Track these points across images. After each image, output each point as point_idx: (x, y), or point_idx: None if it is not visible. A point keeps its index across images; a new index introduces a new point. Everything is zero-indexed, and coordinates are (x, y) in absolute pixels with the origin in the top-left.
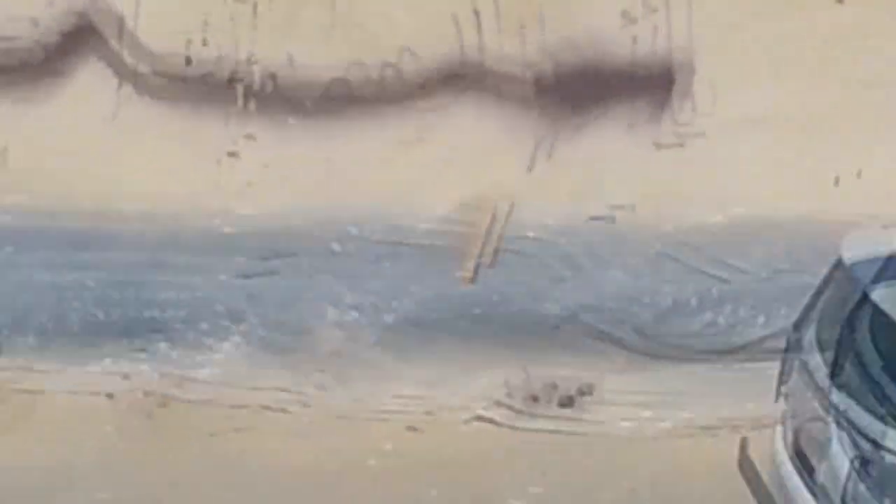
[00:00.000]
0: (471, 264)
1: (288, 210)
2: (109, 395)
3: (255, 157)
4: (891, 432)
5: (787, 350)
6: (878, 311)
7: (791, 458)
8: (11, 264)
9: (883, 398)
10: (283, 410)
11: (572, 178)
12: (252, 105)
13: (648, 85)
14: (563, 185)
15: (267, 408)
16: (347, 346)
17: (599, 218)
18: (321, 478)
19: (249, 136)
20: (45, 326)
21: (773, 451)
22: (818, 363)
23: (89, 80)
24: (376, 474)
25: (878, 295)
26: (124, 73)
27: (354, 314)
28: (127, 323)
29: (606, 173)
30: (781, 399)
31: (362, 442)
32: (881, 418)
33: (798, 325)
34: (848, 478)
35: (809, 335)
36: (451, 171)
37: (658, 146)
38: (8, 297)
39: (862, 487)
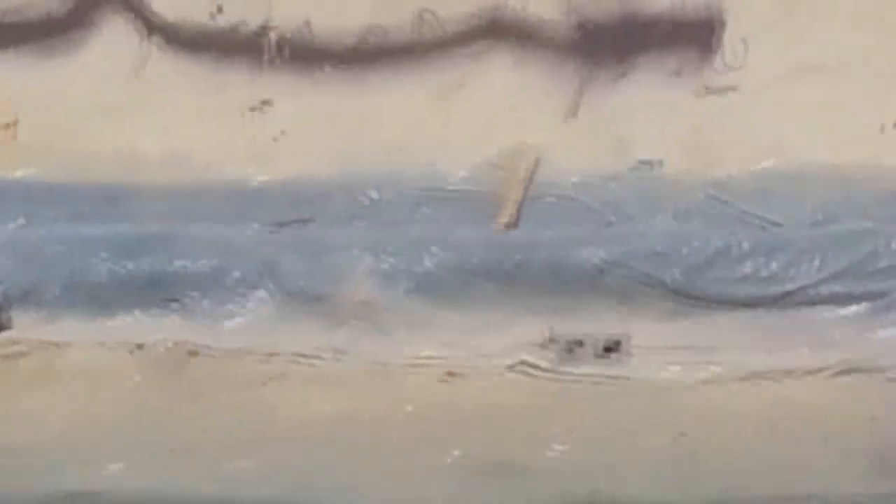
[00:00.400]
0: (511, 211)
1: (323, 159)
2: (139, 346)
3: (289, 105)
4: None
5: None
6: None
7: None
8: (38, 217)
9: None
10: (317, 358)
11: (617, 124)
12: (286, 53)
13: (693, 31)
14: (608, 131)
15: (300, 355)
16: (384, 294)
17: (647, 162)
18: (357, 426)
19: (282, 86)
20: (72, 278)
21: None
22: None
23: (117, 31)
24: (415, 421)
25: None
26: (152, 24)
27: (391, 261)
28: (156, 273)
29: (652, 120)
30: None
31: (399, 390)
32: None
33: None
34: None
35: None
36: (491, 117)
37: (704, 92)
38: (34, 249)
39: None
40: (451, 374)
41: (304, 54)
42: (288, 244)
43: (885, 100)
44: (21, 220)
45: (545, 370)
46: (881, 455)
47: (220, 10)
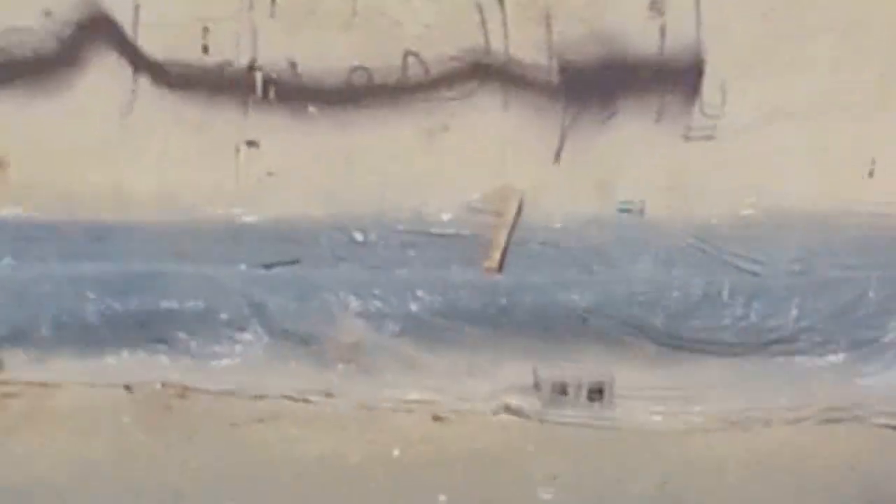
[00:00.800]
0: (497, 254)
1: (310, 199)
2: (127, 387)
3: (276, 146)
4: None
5: None
6: None
7: None
8: (26, 256)
9: None
10: (306, 400)
11: (600, 168)
12: (272, 93)
13: (676, 77)
14: (591, 175)
15: (289, 398)
16: (371, 336)
17: (628, 208)
18: (345, 468)
19: (269, 125)
20: (61, 318)
21: None
22: None
23: (104, 70)
24: (402, 465)
25: None
26: (140, 63)
27: (378, 304)
28: (145, 313)
29: (634, 164)
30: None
31: (387, 432)
32: None
33: None
34: None
35: None
36: (476, 160)
37: (687, 138)
38: (23, 289)
39: None
40: (437, 417)
41: (291, 95)
42: (276, 285)
43: (864, 144)
44: (9, 259)
45: (529, 416)
46: (863, 501)
47: (206, 49)
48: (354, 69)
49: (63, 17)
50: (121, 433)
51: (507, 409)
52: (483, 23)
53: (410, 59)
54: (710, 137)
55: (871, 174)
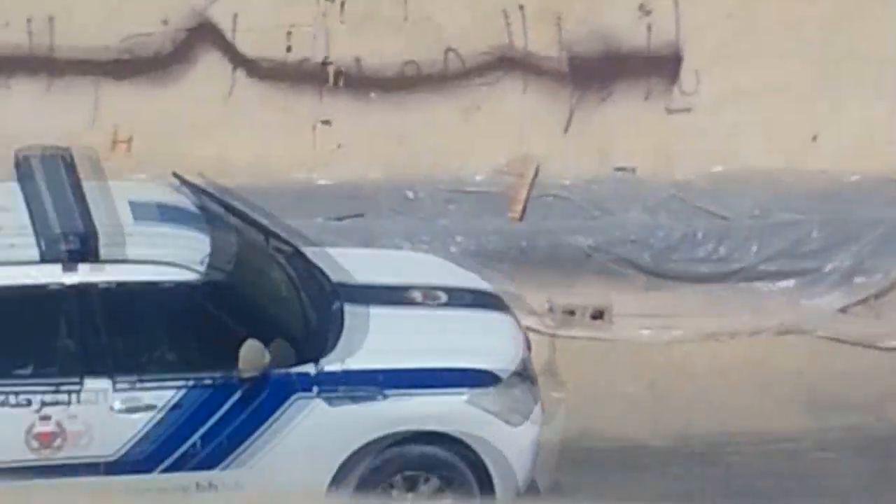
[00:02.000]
0: (519, 207)
1: (370, 165)
2: None
3: (344, 124)
4: None
5: None
6: None
7: None
8: None
9: None
10: None
11: (600, 138)
12: (341, 83)
13: (660, 65)
14: (593, 143)
15: None
16: None
17: (623, 169)
18: None
19: (339, 108)
20: None
21: None
22: None
23: (209, 66)
24: None
25: None
26: (237, 60)
27: (425, 247)
28: None
29: (627, 134)
30: None
31: None
32: None
33: None
34: None
35: None
36: (502, 133)
37: (669, 112)
38: None
39: None
40: None
41: (356, 83)
42: (345, 234)
43: (808, 117)
44: None
45: (543, 333)
46: (807, 399)
47: (289, 49)
48: (406, 63)
49: (177, 24)
50: None
51: (527, 328)
52: (507, 25)
53: (450, 55)
54: (687, 111)
55: (813, 140)
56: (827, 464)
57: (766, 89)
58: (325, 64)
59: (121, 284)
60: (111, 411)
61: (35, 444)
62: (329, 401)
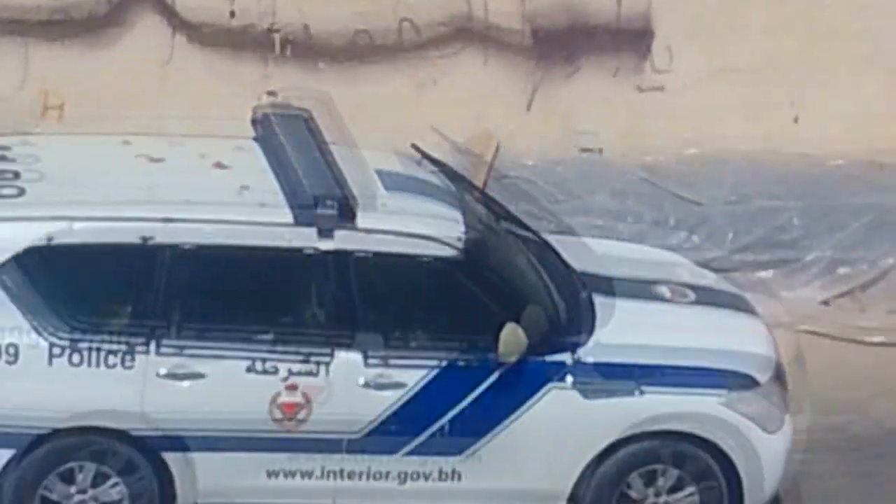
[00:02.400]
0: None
1: None
2: None
3: (291, 95)
4: None
5: None
6: None
7: None
8: None
9: None
10: None
11: (565, 116)
12: (288, 51)
13: (631, 39)
14: (558, 121)
15: None
16: None
17: (589, 149)
18: None
19: (285, 78)
20: None
21: None
22: None
23: (147, 30)
24: None
25: None
26: (177, 24)
27: None
28: None
29: (594, 112)
30: None
31: None
32: None
33: None
34: None
35: None
36: (460, 109)
37: (639, 90)
38: None
39: None
40: None
41: (304, 53)
42: None
43: (789, 97)
44: None
45: None
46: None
47: (233, 14)
48: (358, 32)
49: None
50: None
51: None
52: None
53: (405, 24)
54: (659, 90)
55: (795, 121)
56: (810, 465)
57: (745, 67)
58: (270, 31)
59: (377, 255)
60: (359, 387)
61: (279, 414)
62: (584, 393)
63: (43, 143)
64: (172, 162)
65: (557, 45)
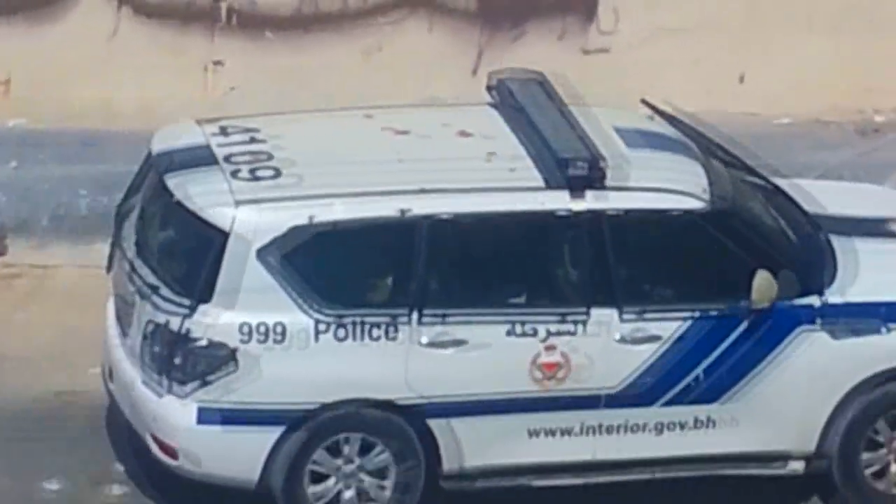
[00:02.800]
0: None
1: (266, 108)
2: None
3: (238, 65)
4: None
5: (114, 232)
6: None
7: (114, 324)
8: (28, 160)
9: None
10: None
11: None
12: (234, 21)
13: (576, 1)
14: None
15: None
16: None
17: None
18: None
19: (232, 48)
20: (58, 211)
21: (105, 316)
22: (131, 241)
23: (92, 3)
24: None
25: (171, 181)
26: None
27: None
28: None
29: None
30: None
31: None
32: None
33: (120, 209)
34: (144, 340)
35: (130, 217)
36: (406, 75)
37: (585, 52)
38: (26, 188)
39: (156, 348)
40: None
41: (250, 22)
42: None
43: (735, 57)
44: (14, 163)
45: None
46: None
47: None
48: (304, 0)
49: None
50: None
51: None
52: None
53: None
54: (605, 52)
55: (741, 80)
56: None
57: (691, 27)
58: (216, 1)
59: (628, 212)
60: (615, 342)
61: (538, 374)
62: (832, 334)
63: (288, 122)
64: (417, 133)
65: (503, 10)
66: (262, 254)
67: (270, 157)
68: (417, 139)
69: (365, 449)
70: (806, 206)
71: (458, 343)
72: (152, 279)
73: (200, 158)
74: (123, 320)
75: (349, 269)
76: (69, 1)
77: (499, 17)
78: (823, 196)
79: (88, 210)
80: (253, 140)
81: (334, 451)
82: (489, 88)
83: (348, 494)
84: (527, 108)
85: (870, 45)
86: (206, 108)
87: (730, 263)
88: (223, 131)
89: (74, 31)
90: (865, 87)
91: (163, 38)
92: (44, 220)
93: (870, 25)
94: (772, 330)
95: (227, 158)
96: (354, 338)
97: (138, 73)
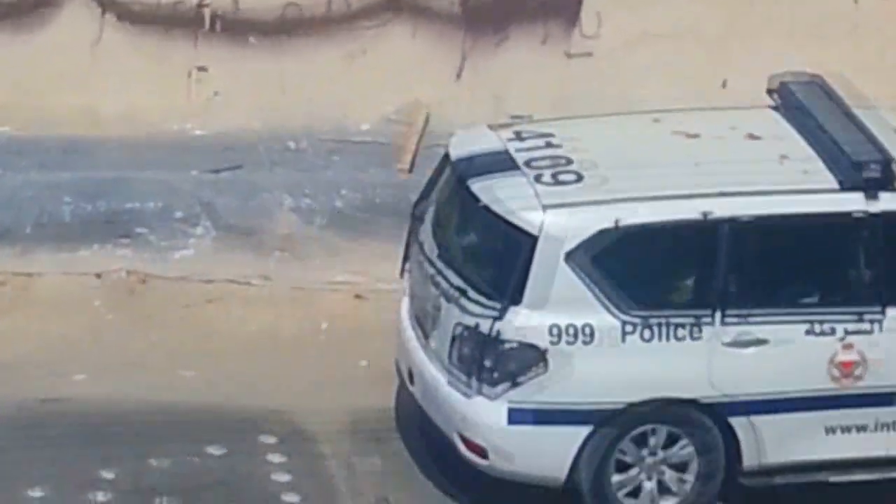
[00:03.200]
0: (408, 158)
1: (250, 114)
2: (97, 275)
3: (222, 70)
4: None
5: (409, 232)
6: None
7: (412, 326)
8: (11, 167)
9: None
10: (248, 283)
11: (495, 84)
12: (218, 26)
13: (559, 6)
14: (488, 90)
15: (233, 282)
16: (303, 228)
17: (519, 117)
18: (281, 340)
19: (216, 53)
20: (41, 218)
21: (399, 319)
22: (431, 244)
23: (76, 9)
24: (329, 336)
25: (475, 185)
26: (106, 2)
27: (308, 201)
28: (111, 213)
29: (524, 79)
30: (406, 274)
31: (317, 309)
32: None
33: (415, 212)
34: (452, 342)
35: (427, 218)
36: (390, 79)
37: (568, 56)
38: (9, 194)
39: (465, 350)
40: (358, 296)
41: (234, 27)
42: (222, 187)
43: (716, 61)
44: None
45: None
46: None
47: None
48: (287, 4)
49: None
50: (93, 314)
51: None
52: None
53: None
54: (588, 56)
55: (723, 85)
56: None
57: (673, 32)
58: (200, 6)
59: None
60: None
61: (836, 372)
62: None
63: (580, 126)
64: (708, 136)
65: (486, 14)
66: (570, 257)
67: (569, 161)
68: (710, 142)
69: (669, 442)
70: None
71: (760, 342)
72: (458, 282)
73: (501, 163)
74: (424, 323)
75: (654, 270)
76: (53, 8)
77: (482, 21)
78: None
79: (72, 217)
80: (549, 145)
81: (640, 441)
82: (770, 91)
83: (648, 486)
84: (811, 110)
85: (849, 53)
86: (190, 114)
87: None
88: (518, 136)
89: (58, 38)
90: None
91: (146, 45)
92: (27, 227)
93: (850, 32)
94: None
95: (528, 163)
96: (660, 338)
97: (122, 80)
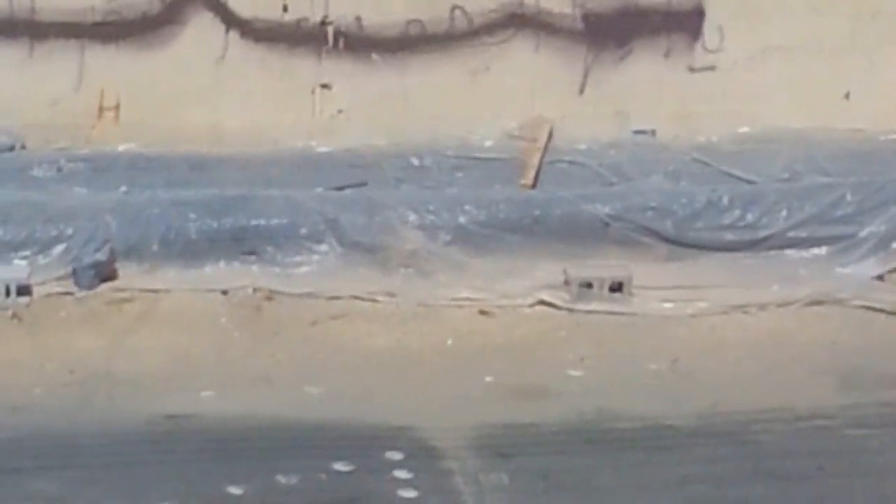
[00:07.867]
0: (531, 174)
1: (374, 131)
2: (224, 292)
3: (345, 87)
4: None
5: None
6: None
7: None
8: (138, 184)
9: None
10: (373, 300)
11: (617, 98)
12: (341, 44)
13: (681, 20)
14: (610, 104)
15: (359, 298)
16: (427, 245)
17: (642, 131)
18: (406, 356)
19: (339, 70)
20: (168, 235)
21: None
22: None
23: (201, 27)
24: (454, 352)
25: None
26: (231, 21)
27: (432, 217)
28: (238, 230)
29: (647, 94)
30: None
31: (442, 325)
32: None
33: None
34: None
35: None
36: (513, 95)
37: (691, 70)
38: (136, 212)
39: None
40: (483, 312)
41: (357, 45)
42: (347, 204)
43: (839, 74)
44: (124, 187)
45: (560, 308)
46: (842, 373)
47: (286, 8)
48: (410, 21)
49: None
50: (219, 331)
51: (542, 303)
52: None
53: (457, 12)
54: (710, 70)
55: (846, 97)
56: (863, 441)
57: (795, 45)
58: (323, 24)
59: None
60: None
61: None
62: None
63: None
64: None
65: (608, 29)
66: None
67: None
68: None
69: None
70: None
71: None
72: None
73: None
74: None
75: None
76: (177, 26)
77: (604, 36)
78: None
79: (198, 234)
80: None
81: None
82: None
83: None
84: None
85: None
86: (315, 131)
87: None
88: None
89: (183, 55)
90: None
91: (270, 62)
92: (154, 244)
93: None
94: None
95: None
96: None
97: (246, 97)
